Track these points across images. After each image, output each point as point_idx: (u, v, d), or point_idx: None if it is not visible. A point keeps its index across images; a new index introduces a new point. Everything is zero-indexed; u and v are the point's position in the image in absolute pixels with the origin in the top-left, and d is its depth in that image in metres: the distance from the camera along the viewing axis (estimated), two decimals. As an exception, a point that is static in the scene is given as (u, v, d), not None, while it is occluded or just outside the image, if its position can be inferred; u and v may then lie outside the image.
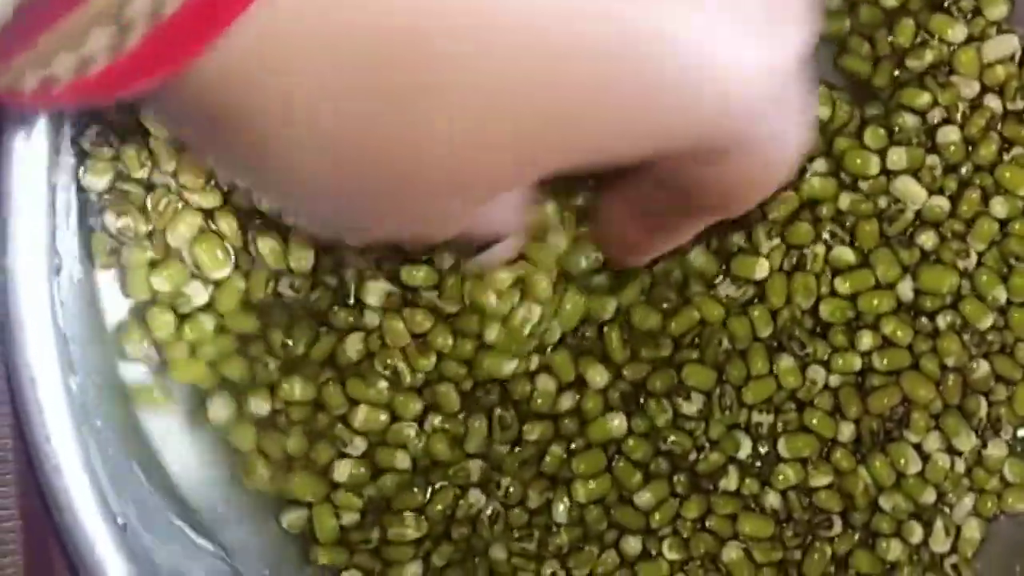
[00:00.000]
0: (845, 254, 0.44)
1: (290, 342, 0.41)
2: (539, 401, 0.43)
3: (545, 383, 0.43)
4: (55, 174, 0.34)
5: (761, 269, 0.43)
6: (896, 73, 0.45)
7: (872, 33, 0.45)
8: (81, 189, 0.38)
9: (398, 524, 0.42)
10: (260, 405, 0.42)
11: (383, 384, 0.42)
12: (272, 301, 0.41)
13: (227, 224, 0.40)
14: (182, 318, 0.41)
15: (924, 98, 0.44)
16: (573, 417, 0.43)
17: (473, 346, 0.42)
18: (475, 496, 0.43)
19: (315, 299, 0.41)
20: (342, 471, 0.42)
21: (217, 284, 0.41)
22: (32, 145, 0.33)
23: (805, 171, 0.44)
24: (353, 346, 0.41)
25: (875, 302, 0.44)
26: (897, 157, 0.44)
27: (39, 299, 0.32)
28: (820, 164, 0.44)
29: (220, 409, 0.41)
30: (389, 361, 0.41)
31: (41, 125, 0.33)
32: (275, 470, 0.42)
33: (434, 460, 0.43)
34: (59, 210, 0.35)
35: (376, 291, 0.41)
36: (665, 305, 0.43)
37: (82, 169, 0.38)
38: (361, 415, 0.42)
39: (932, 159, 0.44)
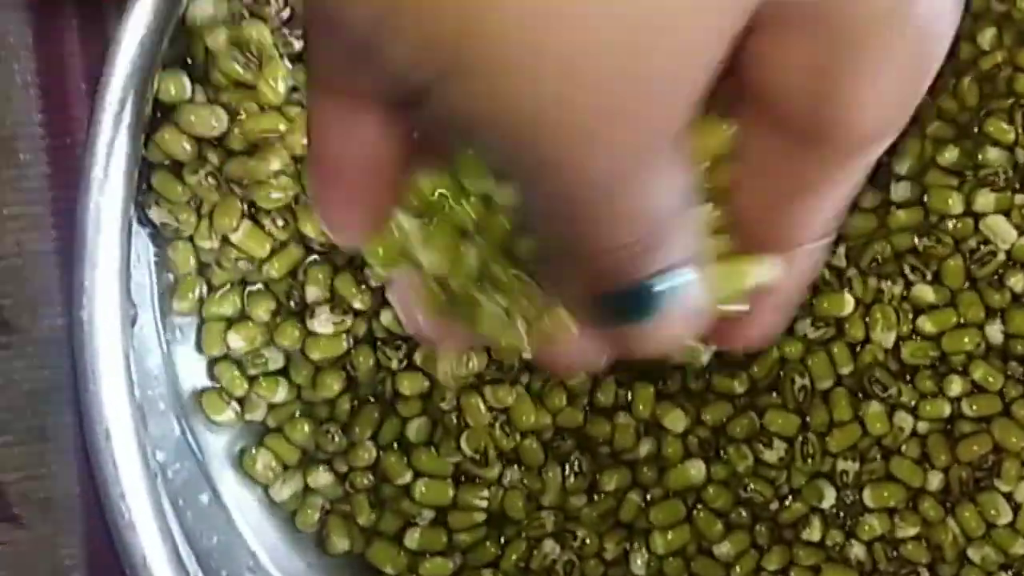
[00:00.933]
0: (925, 292, 0.42)
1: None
2: (618, 440, 0.41)
3: (625, 420, 0.41)
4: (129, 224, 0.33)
5: (848, 305, 0.42)
6: (981, 111, 0.43)
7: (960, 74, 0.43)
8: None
9: (474, 579, 0.41)
10: (322, 477, 0.41)
11: (455, 459, 0.41)
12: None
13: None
14: (251, 380, 0.40)
15: (1010, 135, 0.42)
16: (651, 464, 0.42)
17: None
18: (549, 546, 0.42)
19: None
20: (413, 538, 0.41)
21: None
22: (108, 196, 0.32)
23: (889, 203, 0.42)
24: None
25: (964, 340, 0.42)
26: (983, 200, 0.42)
27: (114, 352, 0.31)
28: (904, 189, 0.43)
29: (285, 489, 0.40)
30: (478, 444, 0.40)
31: (119, 178, 0.32)
32: (353, 539, 0.41)
33: (507, 514, 0.41)
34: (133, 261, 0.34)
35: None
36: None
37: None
38: (422, 488, 0.41)
39: (1021, 198, 0.42)
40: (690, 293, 0.24)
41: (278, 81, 0.37)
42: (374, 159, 0.24)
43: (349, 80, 0.23)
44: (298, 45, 0.38)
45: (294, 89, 0.38)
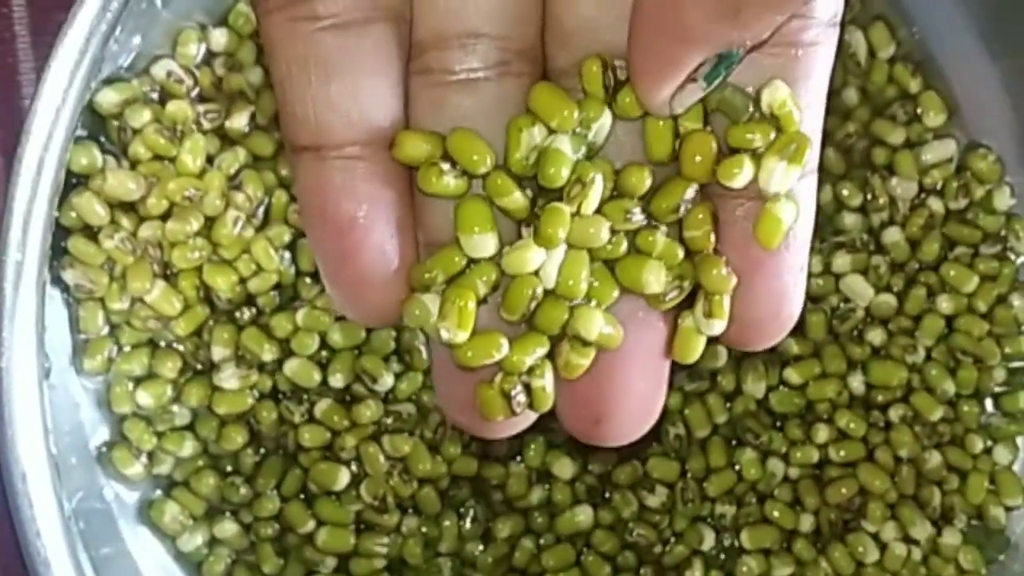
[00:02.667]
0: (790, 345, 0.45)
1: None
2: (511, 488, 0.44)
3: (517, 468, 0.44)
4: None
5: (721, 359, 0.45)
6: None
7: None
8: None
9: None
10: (228, 527, 0.42)
11: (356, 507, 0.43)
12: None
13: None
14: (159, 435, 0.42)
15: (858, 199, 0.46)
16: (543, 511, 0.44)
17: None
18: (447, 593, 0.44)
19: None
20: None
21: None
22: (27, 256, 0.35)
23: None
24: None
25: (828, 390, 0.45)
26: (841, 261, 0.46)
27: (30, 398, 0.33)
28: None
29: (192, 540, 0.42)
30: (376, 492, 0.42)
31: (36, 239, 0.35)
32: None
33: (406, 561, 0.43)
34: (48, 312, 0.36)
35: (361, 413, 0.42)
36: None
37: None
38: (324, 536, 0.43)
39: (877, 259, 0.46)
40: None
41: (197, 152, 0.40)
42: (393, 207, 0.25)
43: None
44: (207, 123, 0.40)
45: (209, 160, 0.40)
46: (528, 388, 0.27)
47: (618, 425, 0.29)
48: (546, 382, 0.27)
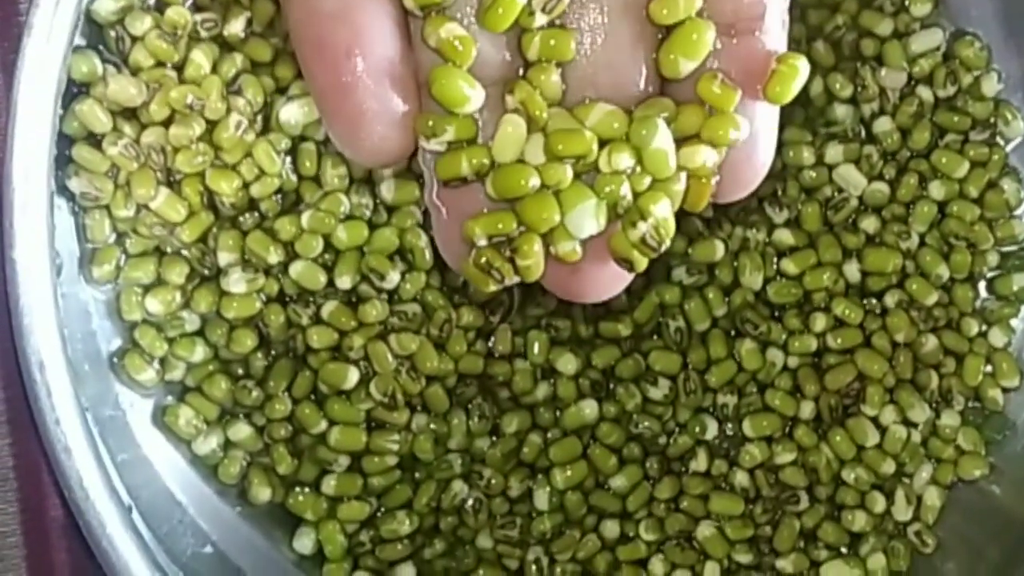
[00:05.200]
0: (786, 237, 0.46)
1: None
2: (517, 384, 0.45)
3: (522, 365, 0.45)
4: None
5: (718, 252, 0.46)
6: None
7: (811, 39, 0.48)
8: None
9: (390, 521, 0.44)
10: (242, 430, 0.43)
11: (366, 405, 0.43)
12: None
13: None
14: (170, 341, 0.42)
15: (847, 90, 0.47)
16: (548, 406, 0.45)
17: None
18: (458, 487, 0.45)
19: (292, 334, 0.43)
20: (330, 484, 0.44)
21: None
22: (35, 152, 0.35)
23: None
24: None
25: (824, 279, 0.46)
26: (833, 152, 0.47)
27: (43, 290, 0.34)
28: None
29: (206, 444, 0.43)
30: (386, 389, 0.43)
31: (44, 130, 0.35)
32: (274, 488, 0.44)
33: (417, 458, 0.44)
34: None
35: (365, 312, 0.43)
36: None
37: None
38: (337, 435, 0.43)
39: (869, 148, 0.47)
40: None
41: (210, 56, 0.40)
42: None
43: None
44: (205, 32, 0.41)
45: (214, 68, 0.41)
46: (513, 262, 0.29)
47: (593, 279, 0.30)
48: (532, 262, 0.29)
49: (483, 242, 0.30)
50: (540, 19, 0.29)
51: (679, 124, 0.31)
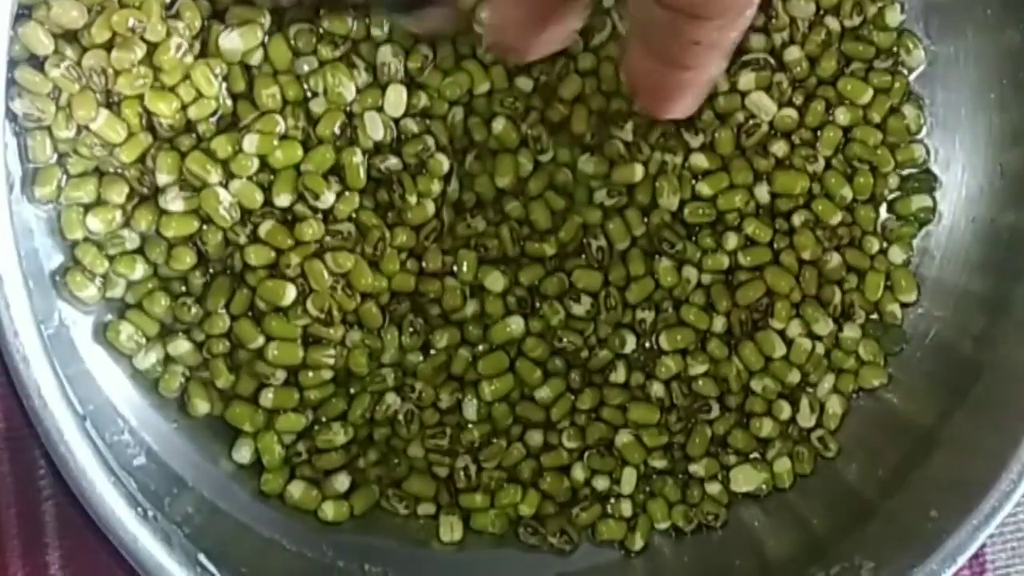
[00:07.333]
0: (701, 160, 0.49)
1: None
2: (447, 301, 0.46)
3: (452, 283, 0.47)
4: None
5: (638, 174, 0.48)
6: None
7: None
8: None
9: (326, 432, 0.46)
10: (181, 345, 0.44)
11: (303, 321, 0.45)
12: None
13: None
14: (111, 259, 0.43)
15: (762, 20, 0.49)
16: (477, 322, 0.47)
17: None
18: (391, 399, 0.46)
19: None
20: (268, 397, 0.45)
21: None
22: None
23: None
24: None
25: (736, 200, 0.48)
26: (746, 79, 0.49)
27: None
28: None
29: (147, 358, 0.44)
30: (322, 306, 0.44)
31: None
32: (213, 401, 0.45)
33: (352, 372, 0.46)
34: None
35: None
36: (553, 210, 0.48)
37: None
38: (274, 350, 0.45)
39: (779, 76, 0.49)
40: None
41: None
42: None
43: None
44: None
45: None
46: None
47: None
48: None
49: None
50: None
51: None
